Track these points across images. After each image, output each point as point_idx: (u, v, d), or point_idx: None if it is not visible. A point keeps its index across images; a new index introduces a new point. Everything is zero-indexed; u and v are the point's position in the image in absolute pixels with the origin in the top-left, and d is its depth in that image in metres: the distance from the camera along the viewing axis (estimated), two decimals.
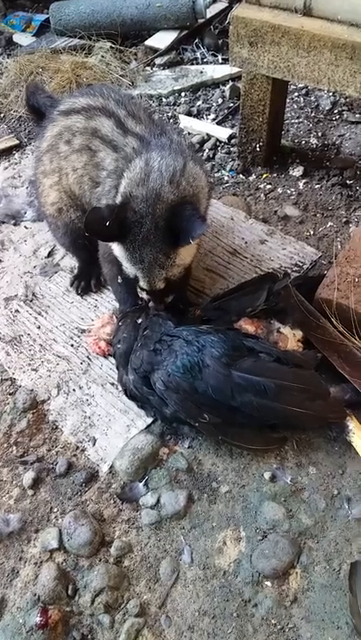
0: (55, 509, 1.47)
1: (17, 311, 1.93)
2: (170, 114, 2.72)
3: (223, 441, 1.51)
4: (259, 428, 1.51)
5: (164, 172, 1.39)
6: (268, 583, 1.33)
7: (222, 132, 2.54)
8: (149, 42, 3.10)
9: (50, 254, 2.10)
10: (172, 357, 1.46)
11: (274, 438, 1.52)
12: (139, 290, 1.58)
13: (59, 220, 1.83)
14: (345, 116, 2.62)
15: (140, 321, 1.62)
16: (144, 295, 1.58)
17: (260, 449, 1.51)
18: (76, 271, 2.00)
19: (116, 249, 1.47)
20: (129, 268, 1.48)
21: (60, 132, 1.66)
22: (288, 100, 2.62)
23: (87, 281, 1.95)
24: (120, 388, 1.64)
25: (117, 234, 1.39)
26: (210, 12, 3.14)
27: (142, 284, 1.50)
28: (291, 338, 1.58)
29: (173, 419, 1.53)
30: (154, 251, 1.40)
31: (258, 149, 2.31)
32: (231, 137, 2.52)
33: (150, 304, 1.62)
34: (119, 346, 1.63)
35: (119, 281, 1.68)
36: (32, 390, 1.70)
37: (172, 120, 2.69)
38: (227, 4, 3.27)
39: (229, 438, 1.49)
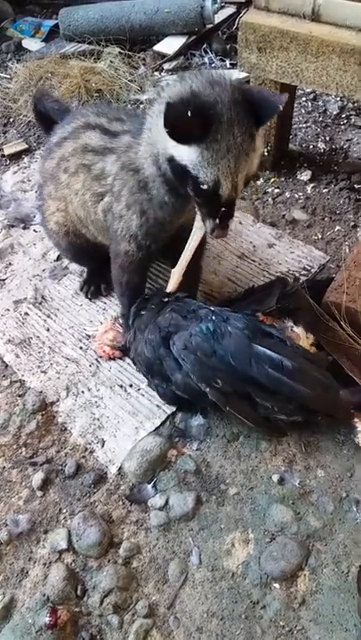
0: (64, 510, 1.48)
1: (26, 314, 1.95)
2: None
3: (229, 412, 1.49)
4: (265, 417, 1.51)
5: (206, 73, 1.31)
6: (277, 585, 1.33)
7: None
8: (158, 47, 3.12)
9: (59, 257, 2.12)
10: (198, 322, 1.49)
11: (276, 429, 1.53)
12: (200, 220, 1.46)
13: (62, 239, 1.86)
14: (353, 120, 2.63)
15: (153, 306, 1.64)
16: (208, 225, 1.40)
17: (260, 431, 1.53)
18: (85, 275, 2.01)
19: (194, 156, 1.27)
20: (210, 173, 1.28)
21: (58, 162, 1.70)
22: (296, 105, 2.64)
23: (97, 285, 1.96)
24: (128, 390, 1.65)
25: (202, 125, 1.23)
26: (218, 18, 3.16)
27: (225, 187, 1.30)
28: (303, 338, 1.58)
29: (182, 386, 1.51)
30: (241, 133, 1.26)
31: (266, 154, 2.32)
32: None
33: (214, 230, 1.40)
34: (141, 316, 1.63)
35: (135, 285, 1.69)
36: (41, 392, 1.71)
37: None
38: (235, 10, 3.29)
39: (235, 410, 1.48)
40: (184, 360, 1.47)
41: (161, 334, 1.53)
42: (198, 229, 1.51)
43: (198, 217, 1.47)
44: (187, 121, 1.19)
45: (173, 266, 1.62)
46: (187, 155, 1.27)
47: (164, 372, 1.54)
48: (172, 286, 1.64)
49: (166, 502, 1.46)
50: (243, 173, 1.31)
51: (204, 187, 1.30)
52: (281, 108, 1.28)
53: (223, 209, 1.34)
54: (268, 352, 1.42)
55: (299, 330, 1.57)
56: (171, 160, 1.31)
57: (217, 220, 1.36)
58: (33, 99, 2.10)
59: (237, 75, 2.81)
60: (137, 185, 1.48)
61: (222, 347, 1.44)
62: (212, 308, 1.53)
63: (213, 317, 1.49)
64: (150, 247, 1.58)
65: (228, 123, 1.23)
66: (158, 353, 1.53)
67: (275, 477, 1.48)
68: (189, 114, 1.17)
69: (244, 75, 2.71)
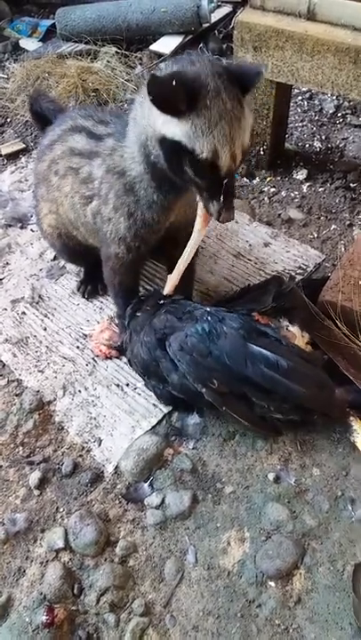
0: (61, 509, 1.49)
1: (23, 313, 1.95)
2: None
3: (225, 412, 1.49)
4: (261, 416, 1.52)
5: (184, 57, 1.30)
6: (272, 584, 1.34)
7: None
8: (154, 47, 3.12)
9: (56, 257, 2.12)
10: (193, 322, 1.49)
11: (272, 428, 1.53)
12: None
13: (55, 241, 1.87)
14: (349, 119, 2.64)
15: (148, 307, 1.64)
16: (213, 208, 1.34)
17: (255, 429, 1.53)
18: (81, 276, 2.02)
19: (187, 129, 1.24)
20: (206, 143, 1.25)
21: (49, 165, 1.71)
22: (292, 104, 2.63)
23: (94, 285, 1.97)
24: (124, 389, 1.66)
25: (190, 96, 1.20)
26: (214, 17, 3.16)
27: (223, 157, 1.26)
28: (299, 337, 1.59)
29: (178, 387, 1.52)
30: (229, 101, 1.24)
31: (262, 153, 2.33)
32: None
33: (220, 214, 1.35)
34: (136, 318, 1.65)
35: (127, 287, 1.70)
36: (38, 391, 1.72)
37: None
38: (231, 9, 3.29)
39: (232, 410, 1.49)
40: (180, 361, 1.47)
41: (157, 336, 1.53)
42: (197, 233, 1.50)
43: (197, 220, 1.46)
44: (172, 89, 1.16)
45: (170, 269, 1.62)
46: (179, 129, 1.23)
47: (160, 373, 1.54)
48: (168, 289, 1.64)
49: (163, 501, 1.47)
50: (239, 141, 1.27)
51: (203, 156, 1.24)
52: (264, 73, 1.28)
53: (225, 183, 1.29)
54: (264, 351, 1.43)
55: (294, 329, 1.57)
56: (163, 141, 1.27)
57: (221, 200, 1.31)
58: (29, 99, 2.10)
59: None
60: (123, 188, 1.48)
61: (218, 347, 1.44)
62: (208, 309, 1.54)
63: (209, 318, 1.49)
64: (140, 249, 1.58)
65: (214, 91, 1.21)
66: (154, 354, 1.54)
67: (270, 476, 1.49)
68: (174, 82, 1.16)
69: None
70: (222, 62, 1.33)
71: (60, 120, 1.75)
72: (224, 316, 1.50)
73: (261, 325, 1.51)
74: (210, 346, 1.45)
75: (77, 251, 1.86)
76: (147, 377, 1.62)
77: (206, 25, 3.14)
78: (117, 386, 1.71)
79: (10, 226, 2.28)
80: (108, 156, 1.50)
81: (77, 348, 1.83)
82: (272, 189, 2.31)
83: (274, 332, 1.50)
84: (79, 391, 1.72)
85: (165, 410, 1.63)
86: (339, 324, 1.61)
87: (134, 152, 1.41)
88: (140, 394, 1.68)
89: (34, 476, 1.53)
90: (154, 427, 1.60)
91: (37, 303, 1.98)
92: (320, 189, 2.29)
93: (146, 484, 1.50)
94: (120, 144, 1.47)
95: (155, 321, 1.56)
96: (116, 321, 1.82)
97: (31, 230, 2.25)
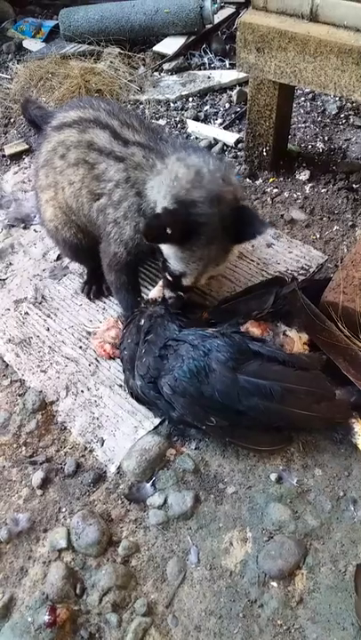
0: (64, 509, 1.49)
1: (26, 313, 1.96)
2: (178, 119, 2.75)
3: (230, 442, 1.52)
4: (265, 429, 1.52)
5: (215, 172, 1.39)
6: (275, 584, 1.34)
7: (229, 137, 2.56)
8: (157, 47, 3.13)
9: (59, 257, 2.13)
10: (179, 362, 1.48)
11: (280, 438, 1.54)
12: (159, 289, 1.65)
13: (57, 235, 1.85)
14: (351, 120, 2.63)
15: (142, 322, 1.64)
16: (166, 292, 1.62)
17: (266, 449, 1.53)
18: (85, 276, 2.02)
19: (169, 251, 1.45)
20: (179, 267, 1.46)
21: (54, 147, 1.67)
22: (295, 105, 2.63)
23: (98, 285, 1.97)
24: (127, 391, 1.66)
25: (179, 238, 1.38)
26: (217, 18, 3.17)
27: (187, 280, 1.49)
28: (297, 340, 1.59)
29: (181, 421, 1.54)
30: (216, 249, 1.41)
31: (265, 154, 2.33)
32: (238, 141, 2.54)
33: (170, 300, 1.62)
34: (125, 352, 1.64)
35: (124, 282, 1.73)
36: (41, 391, 1.72)
37: (179, 125, 2.71)
38: (234, 10, 3.29)
39: (236, 440, 1.51)
40: (175, 403, 1.48)
41: (146, 380, 1.54)
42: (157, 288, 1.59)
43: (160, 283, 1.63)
44: (165, 234, 1.34)
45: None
46: (168, 247, 1.43)
47: (161, 407, 1.56)
48: (153, 294, 1.67)
49: (165, 501, 1.47)
50: (208, 274, 1.49)
51: (173, 269, 1.47)
52: (258, 237, 1.44)
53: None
54: (254, 380, 1.42)
55: (292, 333, 1.58)
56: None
57: (173, 293, 1.59)
58: (20, 106, 2.10)
59: (237, 75, 2.82)
60: (136, 206, 1.52)
61: (209, 385, 1.44)
62: (191, 338, 1.51)
63: (194, 354, 1.47)
64: (139, 254, 1.62)
65: (207, 240, 1.38)
66: (150, 396, 1.55)
67: (273, 476, 1.49)
68: (168, 231, 1.33)
69: (243, 75, 2.72)
70: (240, 203, 1.44)
71: (74, 104, 1.72)
72: (210, 346, 1.47)
73: (254, 342, 1.50)
74: (201, 387, 1.45)
75: (81, 247, 1.84)
76: (150, 408, 1.63)
77: (209, 26, 3.14)
78: (120, 386, 1.72)
79: (13, 226, 2.29)
80: (132, 169, 1.52)
81: (80, 348, 1.83)
82: (275, 190, 2.31)
83: (268, 345, 1.50)
84: (82, 391, 1.72)
85: None
86: (340, 325, 1.61)
87: (154, 191, 1.47)
88: None
89: (36, 476, 1.54)
90: (156, 427, 1.61)
91: (40, 303, 1.98)
92: (323, 190, 2.29)
93: (148, 485, 1.51)
94: (147, 162, 1.50)
95: (138, 364, 1.57)
96: (123, 319, 1.82)
97: (34, 231, 2.26)
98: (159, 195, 1.43)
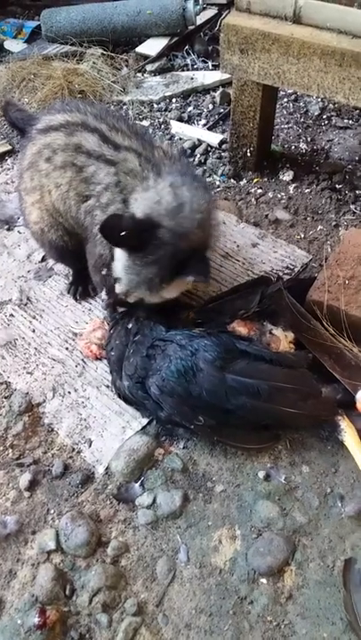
0: (52, 511, 1.48)
1: (12, 315, 1.94)
2: (161, 119, 2.75)
3: (218, 441, 1.53)
4: (253, 428, 1.53)
5: (195, 212, 1.42)
6: (264, 580, 1.35)
7: (213, 138, 2.57)
8: (140, 49, 3.13)
9: (43, 259, 2.11)
10: (167, 362, 1.48)
11: (267, 437, 1.55)
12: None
13: (43, 237, 1.83)
14: (334, 121, 2.66)
15: (130, 326, 1.64)
16: (106, 299, 1.71)
17: (254, 447, 1.54)
18: (71, 277, 2.01)
19: (119, 252, 1.48)
20: (119, 272, 1.49)
21: (40, 149, 1.65)
22: (278, 106, 2.65)
23: (84, 286, 1.96)
24: (115, 391, 1.66)
25: (130, 245, 1.41)
26: (200, 19, 3.17)
27: (119, 288, 1.53)
28: (283, 339, 1.60)
29: (169, 421, 1.55)
30: (155, 274, 1.43)
31: (248, 154, 2.35)
32: (222, 142, 2.55)
33: (107, 305, 1.74)
34: (112, 353, 1.64)
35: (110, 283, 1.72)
36: (27, 393, 1.71)
37: (163, 126, 2.71)
38: (216, 11, 3.31)
39: (224, 438, 1.51)
40: (163, 403, 1.49)
41: (133, 380, 1.54)
42: None
43: None
44: (118, 235, 1.38)
45: None
46: (120, 250, 1.47)
47: (149, 407, 1.56)
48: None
49: (154, 501, 1.47)
50: (138, 294, 1.52)
51: (114, 274, 1.51)
52: (192, 280, 1.47)
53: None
54: (242, 379, 1.43)
55: (278, 332, 1.59)
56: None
57: (109, 299, 1.69)
58: (1, 109, 2.09)
59: (220, 76, 2.83)
60: (121, 212, 1.50)
61: (197, 385, 1.45)
62: (179, 338, 1.51)
63: (181, 354, 1.48)
64: None
65: (152, 261, 1.41)
66: (138, 396, 1.55)
67: (260, 474, 1.50)
68: (123, 234, 1.36)
69: (226, 76, 2.74)
70: (194, 233, 1.43)
71: (59, 107, 1.70)
72: (197, 346, 1.48)
73: (241, 341, 1.52)
74: (188, 386, 1.45)
75: (67, 249, 1.83)
76: (137, 408, 1.63)
77: (192, 27, 3.15)
78: (107, 387, 1.71)
79: None
80: (124, 174, 1.51)
81: (66, 349, 1.83)
82: (259, 190, 2.33)
83: (255, 344, 1.51)
84: (69, 392, 1.71)
85: None
86: (325, 323, 1.63)
87: (137, 203, 1.48)
88: None
89: (24, 478, 1.53)
90: (144, 427, 1.61)
91: (25, 305, 1.97)
92: (306, 190, 2.31)
93: (137, 484, 1.51)
94: (142, 172, 1.50)
95: (125, 365, 1.57)
96: (109, 320, 1.82)
97: (18, 232, 2.24)
98: (138, 209, 1.44)
